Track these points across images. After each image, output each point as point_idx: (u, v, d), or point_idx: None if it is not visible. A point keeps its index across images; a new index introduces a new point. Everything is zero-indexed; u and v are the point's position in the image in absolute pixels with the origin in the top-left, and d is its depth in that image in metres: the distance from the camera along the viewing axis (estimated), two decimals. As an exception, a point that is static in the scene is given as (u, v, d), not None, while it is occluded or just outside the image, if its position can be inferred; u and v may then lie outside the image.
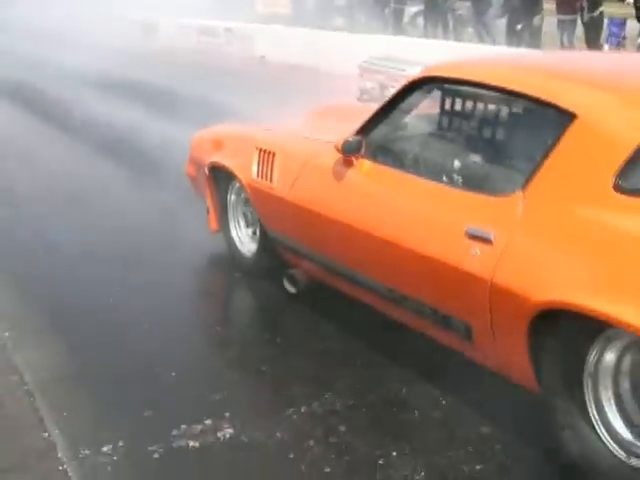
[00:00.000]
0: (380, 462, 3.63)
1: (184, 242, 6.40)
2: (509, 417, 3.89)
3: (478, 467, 3.59)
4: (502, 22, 19.30)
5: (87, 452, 3.69)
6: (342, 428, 3.90)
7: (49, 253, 6.34)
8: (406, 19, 24.78)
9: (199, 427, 3.90)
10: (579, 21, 18.32)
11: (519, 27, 18.16)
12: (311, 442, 3.79)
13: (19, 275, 5.95)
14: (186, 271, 6.02)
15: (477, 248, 3.60)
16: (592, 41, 17.77)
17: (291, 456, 3.68)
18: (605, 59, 5.17)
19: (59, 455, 3.67)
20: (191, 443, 3.78)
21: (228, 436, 3.84)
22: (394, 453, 3.69)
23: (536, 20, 18.59)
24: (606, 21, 18.22)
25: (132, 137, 10.40)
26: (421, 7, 23.43)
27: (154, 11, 29.03)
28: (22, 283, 5.81)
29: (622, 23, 18.37)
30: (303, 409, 4.07)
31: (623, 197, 3.25)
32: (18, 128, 12.11)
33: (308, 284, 5.23)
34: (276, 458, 3.69)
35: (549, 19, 19.19)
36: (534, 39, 17.90)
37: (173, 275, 5.91)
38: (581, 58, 5.10)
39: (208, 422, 3.94)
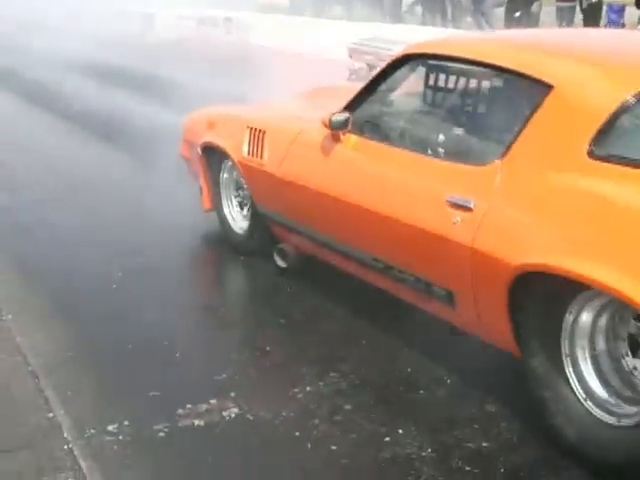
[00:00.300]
0: (386, 439, 3.62)
1: (182, 225, 6.46)
2: (514, 395, 3.88)
3: (484, 444, 3.58)
4: (500, 10, 19.31)
5: (92, 431, 3.68)
6: (348, 407, 3.89)
7: (50, 238, 6.34)
8: (404, 8, 24.73)
9: (204, 406, 3.89)
10: (578, 8, 18.29)
11: (517, 15, 18.16)
12: (316, 420, 3.78)
13: (21, 260, 5.94)
14: (185, 254, 6.06)
15: (458, 216, 3.71)
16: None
17: (297, 434, 3.67)
18: (590, 35, 5.31)
19: (65, 435, 3.66)
20: (196, 422, 3.77)
21: (233, 415, 3.83)
22: (400, 431, 3.68)
23: (534, 7, 18.60)
24: (605, 8, 18.16)
25: (127, 123, 10.42)
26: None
27: (153, 3, 29.08)
28: (24, 267, 5.80)
29: (621, 10, 18.29)
30: (308, 388, 4.06)
31: (597, 163, 3.35)
32: (14, 115, 12.08)
33: (297, 258, 5.35)
34: (282, 436, 3.68)
35: (547, 8, 19.17)
36: (532, 27, 17.85)
37: (173, 258, 5.95)
38: (564, 34, 5.29)
39: (213, 401, 3.93)
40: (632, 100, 3.41)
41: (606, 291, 3.13)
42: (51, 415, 3.82)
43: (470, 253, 3.63)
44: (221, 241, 6.08)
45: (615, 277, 3.03)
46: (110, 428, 3.70)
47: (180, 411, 3.84)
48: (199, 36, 24.83)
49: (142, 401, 3.96)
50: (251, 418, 3.81)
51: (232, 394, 4.00)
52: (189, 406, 3.88)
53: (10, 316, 4.90)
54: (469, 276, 3.70)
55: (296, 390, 4.04)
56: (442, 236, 3.78)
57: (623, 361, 3.38)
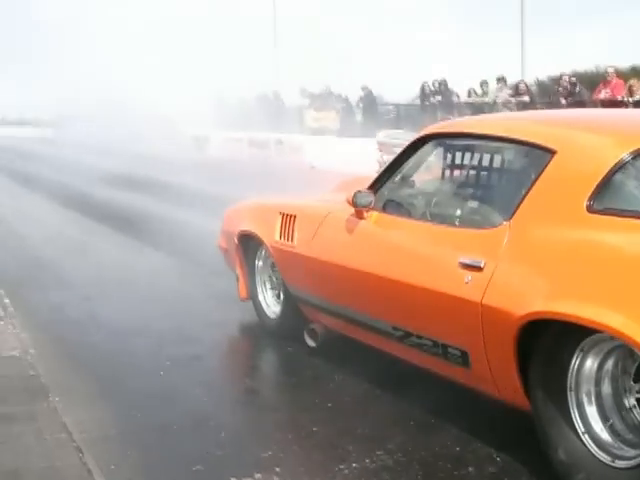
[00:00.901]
0: (435, 512, 3.53)
1: (226, 315, 6.63)
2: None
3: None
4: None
5: (135, 500, 3.64)
6: (395, 481, 3.81)
7: (99, 330, 6.39)
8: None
9: (249, 480, 3.83)
10: None
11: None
12: (363, 495, 3.70)
13: (70, 348, 6.00)
14: (228, 344, 6.16)
15: (469, 275, 3.94)
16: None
17: (342, 505, 3.60)
18: (589, 111, 6.13)
19: (107, 503, 3.62)
20: (241, 495, 3.71)
21: (278, 487, 3.77)
22: (448, 505, 3.59)
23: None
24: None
25: (175, 232, 10.58)
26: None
27: (208, 126, 29.97)
28: (73, 355, 5.86)
29: None
30: (355, 465, 3.99)
31: (595, 216, 3.64)
32: (70, 224, 12.37)
33: (326, 337, 5.52)
34: (327, 507, 3.61)
35: None
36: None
37: (217, 348, 6.07)
38: (568, 111, 5.85)
39: (258, 476, 3.87)
40: (627, 158, 3.72)
41: (613, 335, 3.28)
42: (94, 485, 3.78)
43: (480, 309, 3.83)
44: (257, 329, 6.13)
45: (620, 321, 3.19)
46: (152, 500, 3.65)
47: (224, 484, 3.79)
48: (250, 157, 25.34)
49: (185, 475, 3.92)
50: (296, 490, 3.74)
51: (277, 469, 3.94)
52: (233, 479, 3.82)
53: (57, 398, 4.89)
54: (481, 333, 3.88)
55: (342, 466, 3.97)
56: (455, 296, 3.99)
57: (625, 399, 3.54)
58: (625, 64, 22.16)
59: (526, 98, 19.98)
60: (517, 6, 33.05)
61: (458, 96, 23.92)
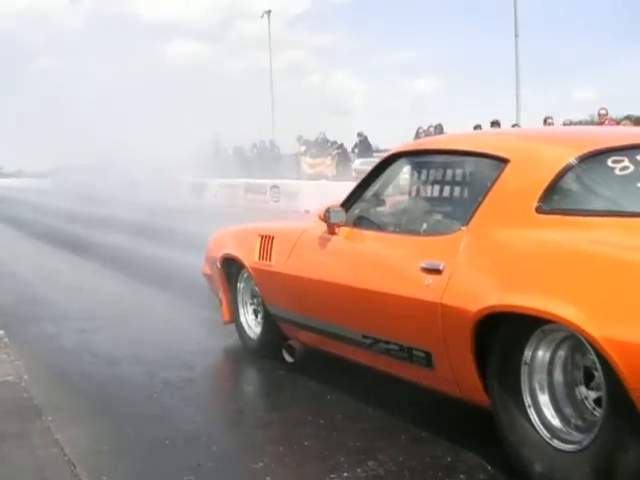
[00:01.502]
0: (424, 516, 3.54)
1: (215, 345, 6.76)
2: None
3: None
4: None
5: (126, 509, 3.64)
6: (386, 489, 3.82)
7: (93, 357, 6.42)
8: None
9: (240, 489, 3.84)
10: None
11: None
12: (353, 500, 3.71)
13: (64, 374, 6.02)
14: (220, 368, 6.16)
15: (430, 279, 4.17)
16: None
17: (333, 511, 3.60)
18: (546, 127, 6.69)
19: (97, 511, 3.63)
20: (231, 501, 3.72)
21: (269, 496, 3.77)
22: (439, 509, 3.59)
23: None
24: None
25: (169, 270, 10.60)
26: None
27: (205, 173, 30.21)
28: (67, 380, 5.88)
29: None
30: (346, 474, 3.99)
31: (543, 217, 3.91)
32: (64, 264, 12.42)
33: (303, 353, 5.72)
34: (317, 514, 3.62)
35: None
36: None
37: (209, 372, 6.15)
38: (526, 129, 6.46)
39: (249, 485, 3.87)
40: (573, 162, 4.01)
41: (562, 324, 3.49)
42: (85, 495, 3.79)
43: (440, 309, 4.06)
44: (273, 358, 6.09)
45: (568, 311, 3.40)
46: (144, 506, 3.66)
47: (215, 493, 3.79)
48: (246, 202, 25.48)
49: (177, 484, 3.92)
50: (286, 498, 3.74)
51: (268, 479, 3.94)
52: (224, 489, 3.83)
53: (50, 418, 4.91)
54: (441, 332, 4.10)
55: (333, 476, 3.98)
56: (417, 299, 4.23)
57: (577, 390, 3.72)
58: (619, 114, 22.39)
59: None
60: (512, 57, 33.63)
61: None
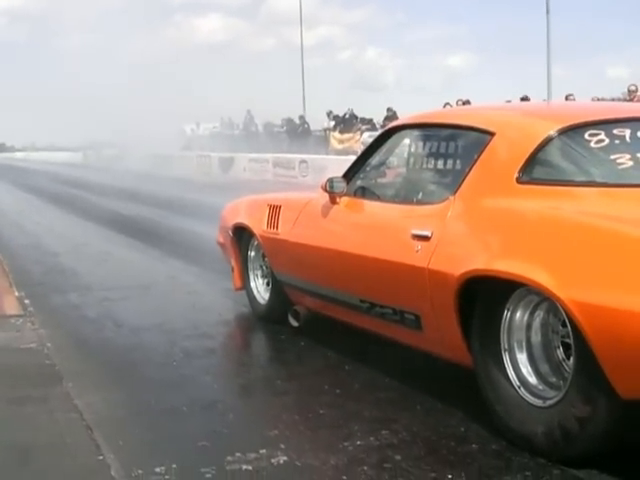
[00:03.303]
0: (435, 483, 3.56)
1: (237, 316, 6.83)
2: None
3: (535, 489, 3.51)
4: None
5: (140, 472, 3.69)
6: (398, 457, 3.84)
7: (115, 326, 6.50)
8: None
9: (253, 455, 3.87)
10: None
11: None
12: (365, 467, 3.73)
13: (86, 342, 6.09)
14: (241, 338, 6.20)
15: (419, 245, 4.41)
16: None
17: (344, 478, 3.63)
18: (537, 102, 7.05)
19: (112, 473, 3.69)
20: (244, 467, 3.75)
21: (282, 462, 3.81)
22: (449, 476, 3.61)
23: None
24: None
25: (196, 243, 10.67)
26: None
27: (234, 148, 30.32)
28: (89, 348, 5.96)
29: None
30: (359, 442, 4.02)
31: (523, 187, 4.14)
32: (91, 236, 12.52)
33: (309, 317, 5.99)
34: (329, 480, 3.65)
35: None
36: None
37: (230, 342, 6.29)
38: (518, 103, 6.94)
39: (263, 451, 3.91)
40: (553, 135, 4.24)
41: (536, 288, 3.71)
42: (101, 458, 3.86)
43: (428, 274, 4.30)
44: (281, 323, 6.17)
45: (542, 276, 3.63)
46: (157, 470, 3.70)
47: (229, 458, 3.83)
48: (274, 177, 25.53)
49: (191, 449, 3.97)
50: (299, 465, 3.78)
51: (282, 445, 3.98)
52: (238, 454, 3.87)
53: (70, 384, 4.98)
54: (429, 296, 4.35)
55: (346, 444, 4.00)
56: (408, 264, 4.47)
57: (557, 351, 3.92)
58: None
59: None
60: (544, 32, 33.34)
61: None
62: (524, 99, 21.19)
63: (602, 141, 4.19)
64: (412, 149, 5.28)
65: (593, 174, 4.16)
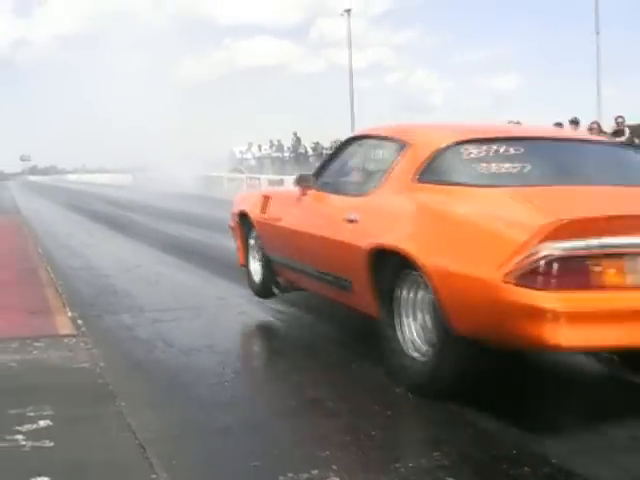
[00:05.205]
0: (487, 505, 3.55)
1: (289, 339, 6.84)
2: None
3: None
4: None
5: (193, 490, 3.72)
6: (449, 479, 3.83)
7: (167, 347, 6.53)
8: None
9: (305, 475, 3.89)
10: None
11: None
12: (417, 487, 3.74)
13: (139, 362, 6.13)
14: (293, 360, 6.13)
15: (350, 226, 5.86)
16: None
17: (396, 497, 3.63)
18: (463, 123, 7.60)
19: (166, 491, 3.72)
20: (296, 485, 3.77)
21: (334, 482, 3.82)
22: (502, 498, 3.60)
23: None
24: None
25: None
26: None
27: (282, 171, 30.45)
28: (141, 367, 5.99)
29: None
30: (410, 464, 4.02)
31: (419, 185, 5.49)
32: (143, 257, 12.62)
33: (287, 287, 7.64)
34: (381, 500, 3.65)
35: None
36: None
37: (283, 363, 6.13)
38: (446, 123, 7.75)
39: (315, 472, 3.93)
40: (444, 146, 5.59)
41: (408, 258, 5.04)
42: (154, 477, 3.90)
43: (354, 249, 5.67)
44: (335, 344, 6.27)
45: (411, 248, 5.00)
46: (211, 489, 3.73)
47: (281, 478, 3.86)
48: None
49: (243, 469, 4.01)
50: (351, 484, 3.79)
51: (334, 467, 3.99)
52: (290, 474, 3.89)
53: (123, 403, 5.03)
54: (355, 265, 5.67)
55: (398, 465, 4.01)
56: (342, 241, 5.92)
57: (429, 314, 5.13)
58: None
59: (622, 139, 19.74)
60: (593, 54, 33.13)
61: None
62: (573, 122, 21.10)
63: (472, 153, 5.49)
64: (358, 154, 6.73)
65: (461, 177, 5.36)
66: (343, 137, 29.95)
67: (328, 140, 35.99)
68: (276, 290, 7.78)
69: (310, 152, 37.78)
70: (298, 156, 37.12)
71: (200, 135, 41.43)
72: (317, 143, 37.61)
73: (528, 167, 5.39)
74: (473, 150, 5.49)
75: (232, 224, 8.80)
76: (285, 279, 7.58)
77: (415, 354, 5.20)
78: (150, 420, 4.74)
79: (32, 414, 4.79)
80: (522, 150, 5.55)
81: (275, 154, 41.45)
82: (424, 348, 5.15)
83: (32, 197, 41.19)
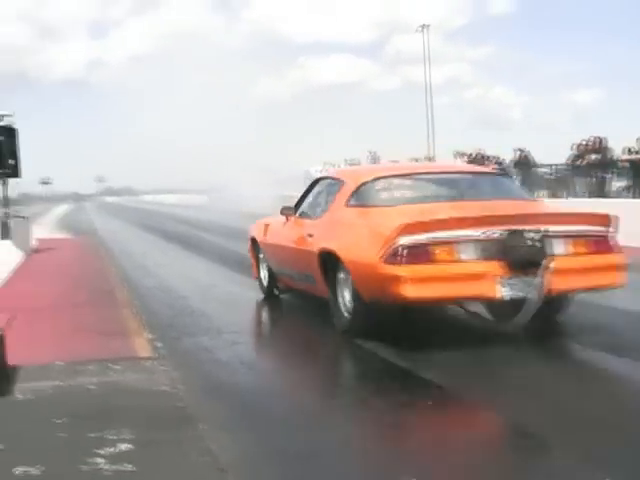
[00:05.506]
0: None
1: (365, 361, 6.78)
2: None
3: None
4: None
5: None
6: None
7: (246, 369, 6.52)
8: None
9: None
10: None
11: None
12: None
13: (218, 385, 6.15)
14: (371, 381, 6.08)
15: (310, 239, 8.43)
16: None
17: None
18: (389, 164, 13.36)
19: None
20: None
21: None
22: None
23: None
24: None
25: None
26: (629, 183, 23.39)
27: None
28: (221, 390, 6.00)
29: None
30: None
31: (348, 208, 8.13)
32: (218, 278, 12.68)
33: (285, 290, 9.92)
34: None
35: None
36: None
37: (359, 386, 6.20)
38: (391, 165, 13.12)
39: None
40: (366, 180, 8.29)
41: (336, 257, 7.68)
42: (237, 500, 3.84)
43: (314, 254, 8.12)
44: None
45: (338, 248, 7.67)
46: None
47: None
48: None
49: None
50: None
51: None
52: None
53: (203, 427, 5.00)
54: (313, 265, 8.15)
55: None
56: (305, 249, 8.48)
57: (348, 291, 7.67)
58: None
59: None
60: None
61: (612, 156, 23.58)
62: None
63: (382, 185, 8.20)
64: (319, 190, 9.32)
65: (372, 201, 7.98)
66: (420, 155, 29.82)
67: (405, 158, 35.96)
68: (276, 291, 10.23)
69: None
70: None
71: (276, 154, 41.67)
72: (396, 162, 37.53)
73: (416, 192, 8.10)
74: (383, 183, 8.27)
75: (248, 247, 11.25)
76: (282, 283, 9.98)
77: (346, 314, 7.65)
78: (230, 444, 4.71)
79: (112, 437, 4.78)
80: (415, 181, 8.42)
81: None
82: (350, 309, 7.56)
83: (109, 219, 41.79)
